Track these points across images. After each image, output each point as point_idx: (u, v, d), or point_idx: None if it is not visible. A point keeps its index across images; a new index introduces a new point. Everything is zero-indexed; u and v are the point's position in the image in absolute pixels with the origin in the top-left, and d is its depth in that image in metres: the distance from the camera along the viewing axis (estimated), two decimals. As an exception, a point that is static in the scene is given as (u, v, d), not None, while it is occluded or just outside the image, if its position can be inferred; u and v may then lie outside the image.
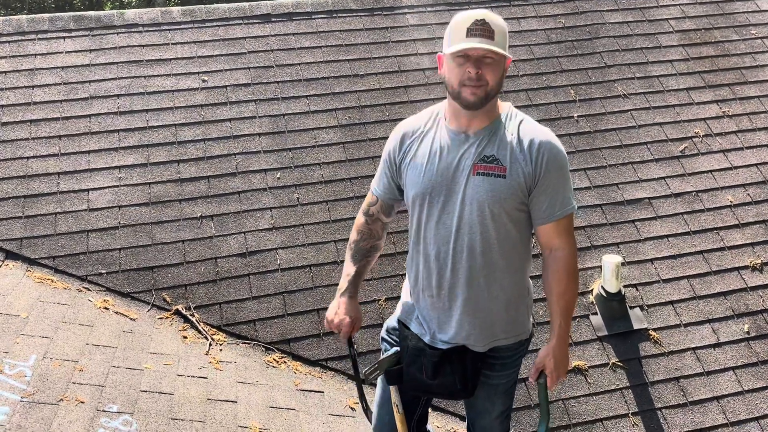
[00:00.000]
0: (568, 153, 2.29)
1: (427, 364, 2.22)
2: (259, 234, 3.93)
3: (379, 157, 2.41)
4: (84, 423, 2.65)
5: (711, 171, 4.42)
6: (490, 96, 2.05)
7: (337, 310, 2.33)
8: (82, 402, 2.77)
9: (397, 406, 2.34)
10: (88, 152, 4.09)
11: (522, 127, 2.12)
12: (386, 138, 2.35)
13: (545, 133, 2.13)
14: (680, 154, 4.49)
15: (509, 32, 2.13)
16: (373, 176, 2.43)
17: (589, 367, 3.59)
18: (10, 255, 3.64)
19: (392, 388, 2.34)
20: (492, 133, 2.11)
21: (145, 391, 2.97)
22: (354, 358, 2.48)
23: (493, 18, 2.03)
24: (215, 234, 3.91)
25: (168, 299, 3.66)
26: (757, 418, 3.46)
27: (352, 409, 3.31)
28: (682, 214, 4.20)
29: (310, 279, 3.79)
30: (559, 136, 2.23)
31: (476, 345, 2.22)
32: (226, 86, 4.51)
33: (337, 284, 2.44)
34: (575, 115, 4.58)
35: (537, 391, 2.34)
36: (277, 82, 4.57)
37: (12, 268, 3.57)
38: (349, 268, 2.36)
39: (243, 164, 4.19)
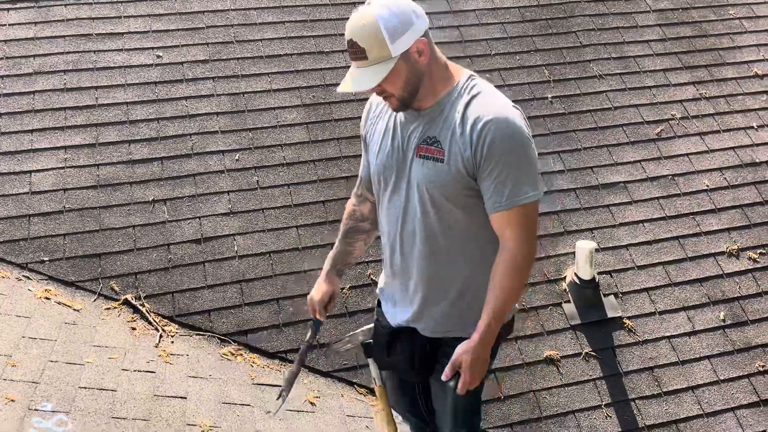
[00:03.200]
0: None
1: (381, 341, 2.23)
2: (216, 219, 3.70)
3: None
4: (13, 423, 2.42)
5: (687, 154, 4.30)
6: (406, 98, 1.87)
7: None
8: (12, 400, 2.53)
9: (374, 379, 2.38)
10: (31, 131, 3.82)
11: (471, 104, 1.86)
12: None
13: (495, 110, 1.83)
14: (656, 137, 4.35)
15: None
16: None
17: (561, 357, 3.44)
18: (-58, 242, 3.37)
19: (370, 361, 2.38)
20: (440, 111, 1.89)
21: (85, 388, 2.74)
22: (308, 341, 2.38)
23: (358, 30, 1.79)
24: (168, 219, 3.68)
25: (116, 288, 3.42)
26: (732, 409, 3.34)
27: (311, 404, 3.12)
28: (657, 198, 4.07)
29: (270, 267, 3.58)
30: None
31: (424, 330, 2.10)
32: (182, 62, 4.25)
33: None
34: (549, 96, 4.41)
35: (445, 395, 2.12)
36: (237, 59, 4.32)
37: (-56, 255, 3.31)
38: (333, 249, 2.33)
39: (199, 145, 3.95)
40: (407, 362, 2.14)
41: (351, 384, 3.35)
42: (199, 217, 3.71)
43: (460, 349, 1.91)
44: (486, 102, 1.85)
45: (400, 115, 1.96)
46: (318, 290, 2.27)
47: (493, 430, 3.20)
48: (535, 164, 1.88)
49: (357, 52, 1.79)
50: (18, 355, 2.80)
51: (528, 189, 1.83)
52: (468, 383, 1.90)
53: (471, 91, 1.88)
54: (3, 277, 3.29)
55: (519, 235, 1.85)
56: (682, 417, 3.29)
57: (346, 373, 3.37)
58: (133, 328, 3.27)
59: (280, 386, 2.45)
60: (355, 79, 1.82)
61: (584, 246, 3.55)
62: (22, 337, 2.93)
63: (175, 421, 2.73)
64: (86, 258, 3.48)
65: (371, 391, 3.34)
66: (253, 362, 3.31)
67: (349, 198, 2.33)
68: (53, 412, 2.56)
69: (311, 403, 3.12)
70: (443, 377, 1.93)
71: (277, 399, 2.38)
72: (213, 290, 3.50)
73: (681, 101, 4.54)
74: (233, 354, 3.32)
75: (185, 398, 2.89)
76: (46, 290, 3.30)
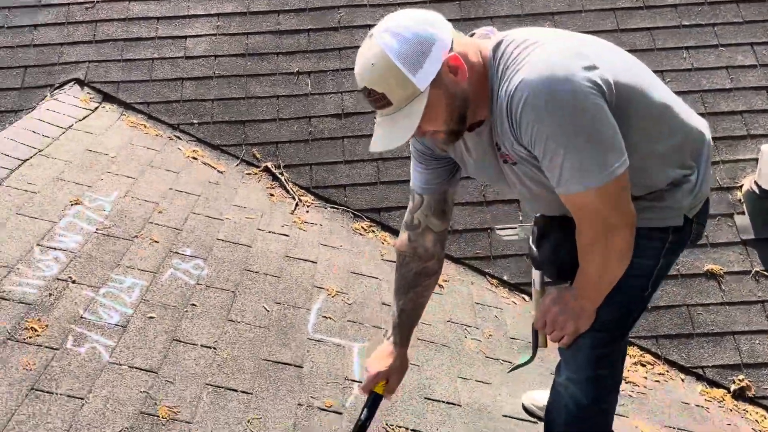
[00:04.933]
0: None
1: (534, 231, 1.84)
2: (358, 95, 3.59)
3: None
4: (155, 261, 2.54)
5: None
6: (456, 128, 1.48)
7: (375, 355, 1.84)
8: (156, 241, 2.66)
9: (534, 281, 1.89)
10: (189, -2, 3.88)
11: (502, 87, 1.42)
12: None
13: (524, 82, 1.36)
14: None
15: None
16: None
17: (725, 272, 3.03)
18: (108, 97, 3.56)
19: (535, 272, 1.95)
20: (492, 114, 1.48)
21: (222, 240, 2.82)
22: (362, 421, 1.80)
23: (368, 74, 1.39)
24: (311, 92, 3.62)
25: (258, 155, 3.46)
26: None
27: (439, 286, 3.01)
28: None
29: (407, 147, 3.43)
30: None
31: None
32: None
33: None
34: (748, -23, 3.72)
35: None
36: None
37: (108, 110, 3.50)
38: (393, 307, 1.85)
39: (346, 19, 3.81)
40: (552, 252, 1.82)
41: (483, 273, 3.19)
42: (341, 92, 3.62)
43: (548, 298, 1.65)
44: (512, 77, 1.40)
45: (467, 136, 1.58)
46: (380, 361, 1.78)
47: (637, 339, 2.92)
48: (594, 131, 1.35)
49: (377, 99, 1.40)
50: (165, 204, 2.92)
51: (582, 174, 1.37)
52: (552, 334, 1.64)
53: (500, 71, 1.44)
54: (157, 135, 3.44)
55: (588, 227, 1.47)
56: None
57: (479, 261, 3.21)
58: (271, 194, 3.31)
59: None
60: (386, 134, 1.43)
61: (772, 150, 3.03)
62: (170, 189, 3.05)
63: (304, 282, 2.74)
64: (231, 124, 3.54)
65: (503, 283, 3.17)
66: (384, 240, 3.24)
67: (398, 240, 1.86)
68: (192, 256, 2.65)
69: (439, 285, 3.02)
70: (534, 324, 1.69)
71: None
72: (350, 166, 3.44)
73: None
74: (365, 230, 3.27)
75: (315, 263, 2.90)
76: (194, 150, 3.41)
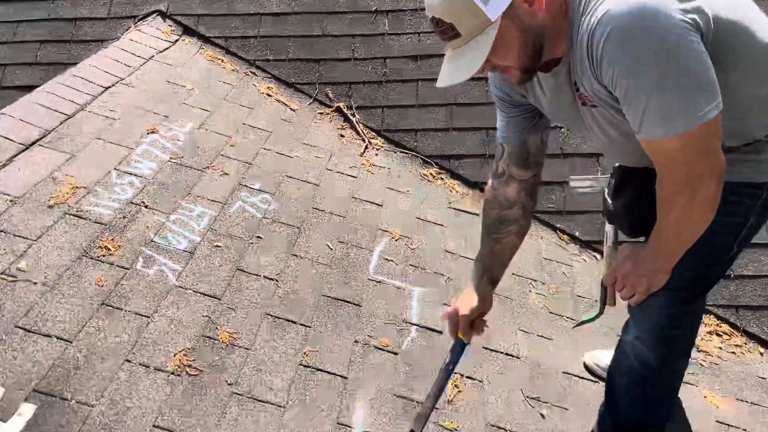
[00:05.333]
0: None
1: (611, 183, 1.76)
2: (435, 37, 3.46)
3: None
4: (224, 192, 2.58)
5: None
6: (530, 64, 1.37)
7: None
8: (226, 174, 2.69)
9: (606, 235, 1.84)
10: (270, -69, 3.81)
11: (584, 21, 1.30)
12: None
13: (608, 14, 1.24)
14: None
15: None
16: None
17: (821, 245, 2.80)
18: (188, 30, 3.59)
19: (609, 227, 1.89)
20: (572, 51, 1.37)
21: (291, 177, 2.83)
22: (447, 367, 1.75)
23: (436, 2, 1.29)
24: (388, 32, 3.53)
25: (330, 95, 3.42)
26: None
27: (507, 238, 2.93)
28: None
29: (483, 93, 3.31)
30: None
31: None
32: None
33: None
34: None
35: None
36: None
37: (187, 43, 3.54)
38: (478, 253, 1.81)
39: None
40: (627, 204, 1.76)
41: (554, 228, 3.08)
42: (419, 33, 3.51)
43: (621, 254, 1.55)
44: (596, 8, 1.27)
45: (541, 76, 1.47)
46: (464, 304, 1.72)
47: (715, 308, 2.76)
48: (684, 70, 1.22)
49: (445, 30, 1.31)
50: (237, 138, 2.95)
51: (671, 120, 1.24)
52: (623, 291, 1.54)
53: (582, 1, 1.31)
54: (233, 70, 3.45)
55: (667, 175, 1.35)
56: None
57: (551, 216, 3.09)
58: (342, 135, 3.28)
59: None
60: (453, 67, 1.35)
61: None
62: (243, 124, 3.07)
63: (369, 224, 2.72)
64: (307, 62, 3.50)
65: (574, 240, 3.05)
66: (453, 188, 3.17)
67: (486, 186, 1.80)
68: (260, 191, 2.67)
69: (507, 238, 2.93)
70: (604, 280, 1.59)
71: None
72: (423, 110, 3.35)
73: None
74: (434, 176, 3.21)
75: (381, 206, 2.87)
76: (268, 87, 3.41)
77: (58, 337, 1.77)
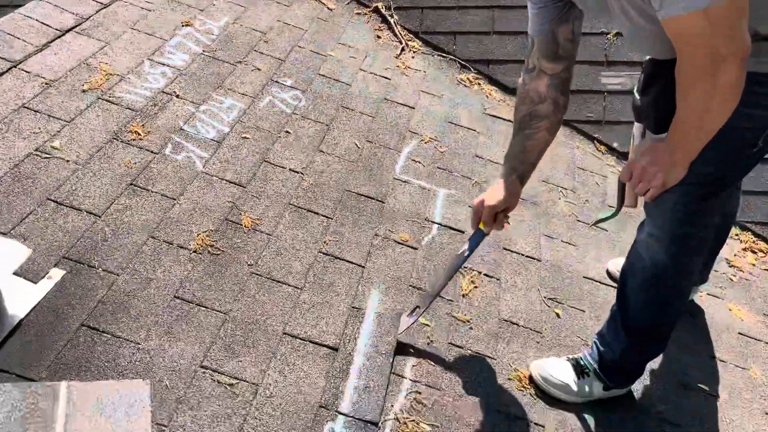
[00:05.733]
0: None
1: (641, 78, 1.66)
2: (482, -66, 3.29)
3: None
4: (255, 87, 2.58)
5: None
6: None
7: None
8: (258, 69, 2.69)
9: (633, 136, 1.76)
10: None
11: None
12: None
13: None
14: None
15: None
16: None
17: None
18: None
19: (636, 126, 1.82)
20: None
21: (323, 76, 2.81)
22: (462, 254, 1.80)
23: None
24: (432, -72, 3.37)
25: (369, -5, 3.34)
26: None
27: (541, 146, 2.87)
28: None
29: (529, -5, 3.16)
30: None
31: None
32: None
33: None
34: None
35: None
36: None
37: (226, -61, 3.47)
38: (509, 148, 1.76)
39: None
40: (653, 102, 1.67)
41: (591, 138, 2.99)
42: (464, -70, 3.34)
43: (640, 149, 1.49)
44: None
45: None
46: (491, 196, 1.71)
47: (753, 225, 2.67)
48: None
49: None
50: (272, 35, 2.92)
51: None
52: (640, 191, 1.48)
53: None
54: (271, -32, 3.38)
55: (683, 60, 1.27)
56: None
57: (590, 126, 3.00)
58: (378, 36, 3.21)
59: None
60: None
61: None
62: (278, 21, 3.03)
63: (399, 126, 2.70)
64: (346, -40, 3.40)
65: (611, 151, 2.96)
66: (489, 94, 3.09)
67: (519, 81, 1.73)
68: (291, 87, 2.67)
69: (540, 145, 2.87)
70: (621, 176, 1.54)
71: (409, 314, 1.86)
72: (463, 12, 3.23)
73: None
74: (471, 81, 3.13)
75: (413, 108, 2.83)
76: (306, -15, 3.34)
77: (87, 211, 1.86)
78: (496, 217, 1.73)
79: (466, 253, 1.77)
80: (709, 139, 1.34)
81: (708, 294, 2.39)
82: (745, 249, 2.64)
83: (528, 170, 1.74)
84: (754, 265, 2.58)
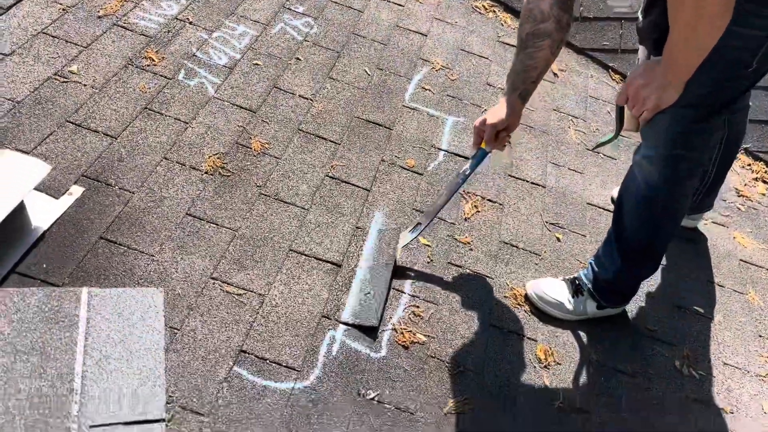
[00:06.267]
0: None
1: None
2: None
3: None
4: (267, 14, 2.60)
5: None
6: None
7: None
8: None
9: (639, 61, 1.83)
10: None
11: None
12: None
13: None
14: None
15: None
16: None
17: None
18: None
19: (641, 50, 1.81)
20: None
21: (335, 2, 2.80)
22: (463, 173, 1.84)
23: None
24: None
25: None
26: None
27: (554, 74, 2.85)
28: None
29: None
30: None
31: None
32: None
33: None
34: None
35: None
36: None
37: None
38: (511, 66, 1.75)
39: None
40: (652, 23, 1.65)
41: (606, 67, 2.96)
42: None
43: (635, 71, 1.50)
44: None
45: None
46: (493, 114, 1.73)
47: (765, 154, 2.65)
48: None
49: None
50: (285, -38, 2.91)
51: None
52: (636, 113, 1.51)
53: None
54: None
55: None
56: None
57: (605, 54, 2.96)
58: (393, -37, 3.17)
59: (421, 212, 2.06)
60: None
61: None
62: (292, -52, 3.01)
63: (410, 53, 2.70)
64: None
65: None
66: (504, 21, 3.06)
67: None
68: (303, 14, 2.68)
69: (554, 74, 2.85)
70: (617, 99, 1.56)
71: (410, 231, 1.92)
72: (480, -63, 3.17)
73: None
74: (486, 9, 3.09)
75: (425, 36, 2.83)
76: None
77: (104, 133, 1.94)
78: (497, 135, 1.76)
79: (468, 172, 1.82)
80: (702, 58, 1.35)
81: (713, 222, 2.41)
82: (756, 179, 2.63)
83: (530, 89, 1.75)
84: (764, 195, 2.58)
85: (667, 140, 1.56)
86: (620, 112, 1.68)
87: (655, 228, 1.71)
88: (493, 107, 1.77)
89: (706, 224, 2.39)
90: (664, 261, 2.19)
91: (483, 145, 1.79)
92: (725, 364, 1.94)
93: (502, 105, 1.73)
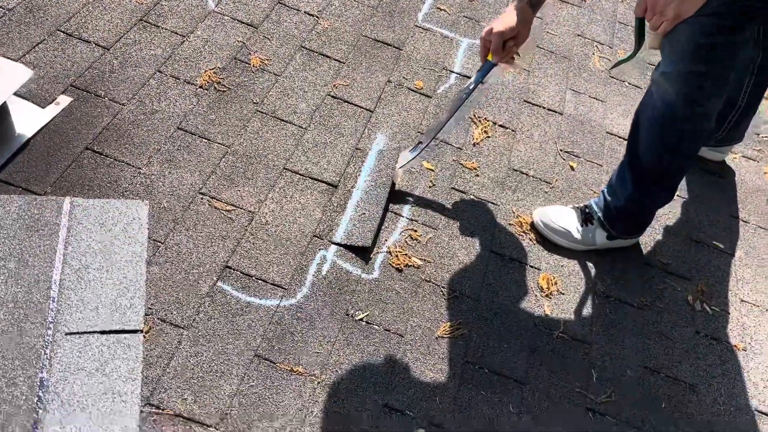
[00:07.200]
0: None
1: None
2: None
3: None
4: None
5: None
6: None
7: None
8: None
9: None
10: None
11: None
12: None
13: None
14: None
15: None
16: None
17: None
18: None
19: None
20: None
21: None
22: (468, 87, 1.72)
23: None
24: None
25: None
26: None
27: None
28: None
29: None
30: None
31: None
32: None
33: None
34: None
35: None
36: None
37: None
38: None
39: None
40: None
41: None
42: None
43: None
44: None
45: None
46: (501, 23, 1.59)
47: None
48: None
49: None
50: None
51: None
52: (654, 25, 1.40)
53: None
54: None
55: None
56: None
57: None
58: None
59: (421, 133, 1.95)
60: None
61: None
62: None
63: (427, -28, 2.54)
64: None
65: None
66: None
67: None
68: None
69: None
70: (635, 10, 1.44)
71: (411, 150, 1.82)
72: None
73: None
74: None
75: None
76: None
77: (96, 44, 1.87)
78: (505, 45, 1.62)
79: (472, 86, 1.70)
80: None
81: (743, 156, 2.26)
82: (794, 113, 2.45)
83: None
84: (801, 129, 2.40)
85: (687, 54, 1.42)
86: (640, 26, 1.53)
87: (672, 151, 1.58)
88: (501, 15, 1.64)
89: (735, 158, 2.24)
90: (685, 194, 2.06)
91: (490, 57, 1.66)
92: (742, 301, 1.82)
93: (510, 13, 1.59)
